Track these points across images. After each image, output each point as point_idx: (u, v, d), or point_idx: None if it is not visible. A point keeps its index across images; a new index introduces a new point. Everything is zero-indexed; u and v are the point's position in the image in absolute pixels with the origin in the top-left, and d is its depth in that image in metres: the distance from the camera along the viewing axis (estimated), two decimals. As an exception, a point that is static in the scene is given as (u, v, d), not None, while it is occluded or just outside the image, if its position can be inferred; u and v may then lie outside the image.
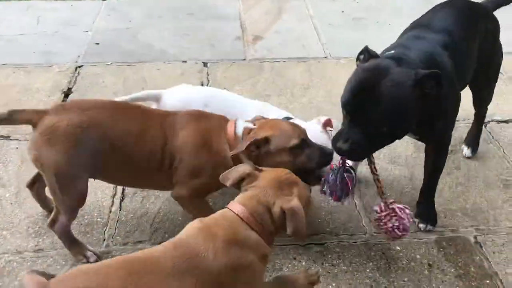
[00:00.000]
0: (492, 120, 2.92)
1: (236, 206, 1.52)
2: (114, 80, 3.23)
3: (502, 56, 2.43)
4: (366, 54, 1.82)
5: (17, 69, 3.33)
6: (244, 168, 1.61)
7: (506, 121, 2.93)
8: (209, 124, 1.95)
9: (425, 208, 2.25)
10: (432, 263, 2.06)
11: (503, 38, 2.38)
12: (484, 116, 2.66)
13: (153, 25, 3.95)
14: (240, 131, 1.91)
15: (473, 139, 2.66)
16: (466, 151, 2.65)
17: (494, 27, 2.31)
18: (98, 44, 3.65)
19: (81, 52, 3.53)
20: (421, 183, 2.46)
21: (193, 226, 1.50)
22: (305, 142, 1.88)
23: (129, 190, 2.37)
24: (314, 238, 2.16)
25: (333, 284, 1.96)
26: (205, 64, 3.43)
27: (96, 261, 1.94)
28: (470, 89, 2.43)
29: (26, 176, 2.42)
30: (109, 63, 3.42)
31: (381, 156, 2.62)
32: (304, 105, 3.03)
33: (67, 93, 3.09)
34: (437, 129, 2.01)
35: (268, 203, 1.51)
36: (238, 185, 1.60)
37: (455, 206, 2.35)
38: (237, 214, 1.50)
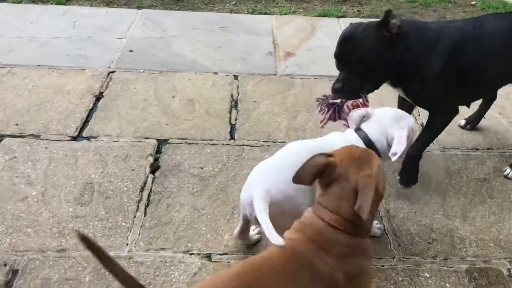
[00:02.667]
0: (528, 151, 2.83)
1: (326, 213, 1.46)
2: (145, 87, 3.24)
3: None
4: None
5: (51, 70, 3.37)
6: (317, 161, 1.47)
7: (542, 153, 2.83)
8: None
9: (406, 170, 2.44)
10: (463, 293, 1.98)
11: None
12: None
13: (186, 36, 3.97)
14: None
15: None
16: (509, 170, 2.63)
17: None
18: (131, 51, 3.69)
19: (114, 58, 3.57)
20: (453, 209, 2.40)
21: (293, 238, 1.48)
22: None
23: (154, 197, 2.35)
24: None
25: (359, 308, 1.89)
26: (235, 77, 3.43)
27: None
28: None
29: (53, 175, 2.44)
30: (141, 70, 3.44)
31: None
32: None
33: (98, 97, 3.11)
34: (418, 91, 2.29)
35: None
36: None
37: (488, 236, 2.26)
38: (329, 223, 1.45)
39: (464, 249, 2.18)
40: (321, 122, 2.24)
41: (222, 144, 2.74)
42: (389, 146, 1.96)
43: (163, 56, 3.66)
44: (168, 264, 2.02)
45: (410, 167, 2.44)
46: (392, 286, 1.99)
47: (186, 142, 2.73)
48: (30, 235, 2.11)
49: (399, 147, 1.90)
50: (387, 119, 2.01)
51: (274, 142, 2.78)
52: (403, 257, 2.12)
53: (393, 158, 1.90)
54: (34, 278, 1.92)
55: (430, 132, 2.44)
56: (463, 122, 2.99)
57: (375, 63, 2.16)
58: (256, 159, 2.63)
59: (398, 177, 2.48)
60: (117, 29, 4.00)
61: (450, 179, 2.58)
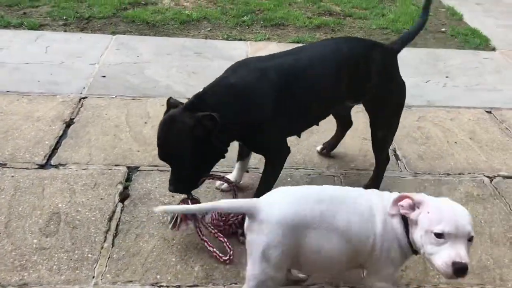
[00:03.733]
0: (498, 176, 2.86)
1: None
2: (117, 113, 3.20)
3: (401, 96, 2.50)
4: (167, 105, 2.19)
5: (21, 97, 3.31)
6: None
7: (512, 177, 2.87)
8: None
9: None
10: (436, 322, 1.96)
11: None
12: (384, 161, 2.61)
13: (160, 61, 3.96)
14: None
15: (371, 183, 2.60)
16: None
17: (381, 66, 2.37)
18: (104, 77, 3.65)
19: (87, 84, 3.52)
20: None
21: None
22: None
23: (123, 226, 2.29)
24: (313, 288, 2.06)
25: None
26: (209, 103, 3.41)
27: None
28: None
29: (18, 205, 2.36)
30: (114, 96, 3.40)
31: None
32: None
33: (68, 123, 3.05)
34: (254, 143, 2.27)
35: None
36: None
37: (460, 263, 2.25)
38: None
39: (437, 276, 2.16)
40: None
41: (194, 171, 2.70)
42: None
43: (136, 81, 3.64)
44: (135, 297, 1.95)
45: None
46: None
47: (157, 169, 2.68)
48: (-9, 269, 2.02)
49: None
50: None
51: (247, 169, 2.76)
52: None
53: None
54: (-7, 315, 1.83)
55: (271, 175, 2.33)
56: (319, 147, 2.92)
57: (201, 156, 2.09)
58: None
59: None
60: (90, 55, 3.97)
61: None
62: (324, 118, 2.54)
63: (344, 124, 2.86)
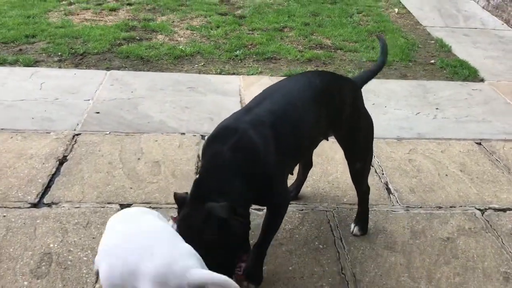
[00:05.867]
0: (489, 208, 2.88)
1: None
2: (111, 149, 3.22)
3: (372, 127, 2.51)
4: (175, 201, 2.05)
5: (15, 134, 3.33)
6: None
7: (503, 210, 2.88)
8: None
9: (254, 267, 2.18)
10: None
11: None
12: (365, 192, 2.62)
13: (154, 97, 4.01)
14: None
15: (359, 218, 2.63)
16: (353, 228, 2.62)
17: (351, 98, 2.41)
18: (98, 113, 3.69)
19: (80, 120, 3.55)
20: (418, 270, 2.39)
21: None
22: None
23: (115, 266, 2.28)
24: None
25: None
26: (203, 137, 3.44)
27: None
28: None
29: (9, 246, 2.35)
30: (108, 132, 3.43)
31: (377, 241, 2.56)
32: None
33: (62, 161, 3.06)
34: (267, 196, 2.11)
35: None
36: None
37: (453, 298, 2.26)
38: None
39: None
40: None
41: (187, 208, 2.71)
42: None
43: (130, 117, 3.67)
44: None
45: (258, 264, 2.21)
46: None
47: (150, 207, 2.68)
48: (-20, 313, 2.00)
49: None
50: None
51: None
52: (369, 324, 2.09)
53: None
54: None
55: (276, 223, 2.22)
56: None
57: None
58: (221, 223, 2.60)
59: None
60: (84, 91, 4.01)
61: (415, 239, 2.59)
62: (311, 150, 2.58)
63: (306, 165, 2.84)
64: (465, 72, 4.81)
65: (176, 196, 2.04)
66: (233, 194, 1.94)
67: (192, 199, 1.98)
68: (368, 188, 2.65)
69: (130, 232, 1.78)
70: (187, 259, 1.67)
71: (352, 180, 2.59)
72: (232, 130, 2.05)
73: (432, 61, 5.13)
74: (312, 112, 2.26)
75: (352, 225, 2.63)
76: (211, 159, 2.04)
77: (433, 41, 5.71)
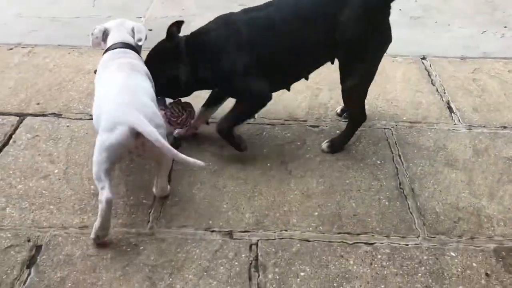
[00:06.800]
0: None
1: None
2: (165, 66, 3.21)
3: (383, 42, 2.29)
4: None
5: (72, 50, 3.37)
6: None
7: None
8: None
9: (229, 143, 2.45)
10: (490, 273, 1.93)
11: None
12: (355, 120, 2.49)
13: (204, 14, 3.92)
14: None
15: (336, 138, 2.54)
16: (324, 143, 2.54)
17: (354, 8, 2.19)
18: (151, 30, 3.65)
19: (134, 37, 3.54)
20: (480, 187, 2.34)
21: None
22: None
23: (175, 175, 2.33)
24: (363, 237, 2.06)
25: (382, 286, 1.86)
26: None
27: None
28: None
29: (74, 154, 2.45)
30: (161, 49, 3.40)
31: (437, 158, 2.49)
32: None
33: (118, 76, 3.09)
34: (229, 89, 2.42)
35: None
36: None
37: (516, 216, 2.20)
38: None
39: (492, 228, 2.12)
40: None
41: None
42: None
43: (182, 34, 3.61)
44: (189, 241, 2.01)
45: (229, 140, 2.43)
46: (416, 265, 1.95)
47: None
48: (53, 212, 2.12)
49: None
50: (120, 24, 2.53)
51: (295, 120, 2.74)
52: (428, 236, 2.08)
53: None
54: (57, 254, 1.93)
55: (239, 112, 2.42)
56: (339, 109, 2.79)
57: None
58: (277, 137, 2.60)
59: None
60: (136, 8, 3.99)
61: (477, 157, 2.51)
62: (313, 69, 2.46)
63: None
64: (538, -12, 4.41)
65: (170, 28, 2.50)
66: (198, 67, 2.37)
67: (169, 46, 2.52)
68: (363, 117, 2.47)
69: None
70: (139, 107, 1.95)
71: (343, 100, 2.50)
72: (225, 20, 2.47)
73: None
74: (309, 25, 2.25)
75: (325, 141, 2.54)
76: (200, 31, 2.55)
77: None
